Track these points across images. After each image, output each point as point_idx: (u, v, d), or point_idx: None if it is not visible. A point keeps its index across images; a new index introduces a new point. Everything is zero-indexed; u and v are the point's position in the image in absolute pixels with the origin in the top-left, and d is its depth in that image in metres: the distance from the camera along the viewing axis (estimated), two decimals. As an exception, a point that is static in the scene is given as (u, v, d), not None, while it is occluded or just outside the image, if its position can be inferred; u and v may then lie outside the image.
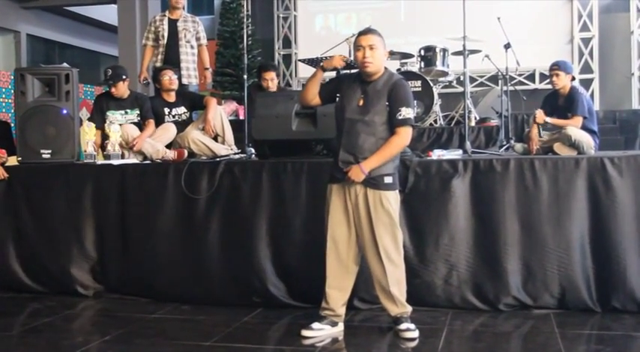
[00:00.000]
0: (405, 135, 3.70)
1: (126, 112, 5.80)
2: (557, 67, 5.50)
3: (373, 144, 3.69)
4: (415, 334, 3.70)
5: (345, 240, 3.79)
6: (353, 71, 3.99)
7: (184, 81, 6.88)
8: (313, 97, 3.93)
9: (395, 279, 3.74)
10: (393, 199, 3.74)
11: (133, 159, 5.34)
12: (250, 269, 4.46)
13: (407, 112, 3.68)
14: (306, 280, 4.31)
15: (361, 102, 3.74)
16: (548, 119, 5.42)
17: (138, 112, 5.81)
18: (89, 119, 5.66)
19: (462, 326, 3.98)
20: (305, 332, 3.79)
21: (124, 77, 5.80)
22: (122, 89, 5.80)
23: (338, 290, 3.83)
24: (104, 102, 5.83)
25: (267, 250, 4.47)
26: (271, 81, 6.83)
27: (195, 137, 5.68)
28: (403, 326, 3.73)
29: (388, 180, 3.73)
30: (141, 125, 5.78)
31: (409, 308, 3.81)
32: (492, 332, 3.88)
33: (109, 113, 5.77)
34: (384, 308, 3.83)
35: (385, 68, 3.83)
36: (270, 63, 8.55)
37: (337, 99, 3.89)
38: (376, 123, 3.70)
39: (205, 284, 4.56)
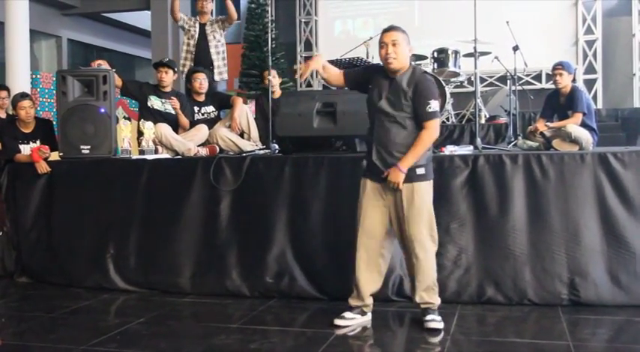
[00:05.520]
0: (434, 128, 3.55)
1: (166, 101, 5.84)
2: (561, 66, 5.49)
3: (404, 137, 3.56)
4: (440, 325, 3.58)
5: (377, 233, 3.67)
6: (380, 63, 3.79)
7: (217, 78, 6.95)
8: (337, 81, 3.87)
9: (427, 271, 3.62)
10: (425, 190, 3.61)
11: (166, 155, 5.35)
12: (269, 253, 4.43)
13: (434, 105, 3.53)
14: (323, 270, 4.32)
15: (388, 97, 3.60)
16: (550, 124, 5.43)
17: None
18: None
19: (472, 310, 3.97)
20: (338, 322, 3.67)
21: (175, 69, 5.97)
22: (169, 79, 5.87)
23: (366, 281, 3.70)
24: (147, 87, 5.94)
25: (287, 238, 4.45)
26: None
27: (223, 134, 5.70)
28: (429, 317, 3.60)
29: (420, 171, 3.59)
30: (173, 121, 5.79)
31: (438, 301, 3.69)
32: (501, 316, 3.86)
33: (152, 97, 5.84)
34: (414, 300, 3.69)
35: (410, 64, 3.70)
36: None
37: (369, 91, 3.73)
38: (404, 118, 3.56)
39: (224, 268, 4.52)
